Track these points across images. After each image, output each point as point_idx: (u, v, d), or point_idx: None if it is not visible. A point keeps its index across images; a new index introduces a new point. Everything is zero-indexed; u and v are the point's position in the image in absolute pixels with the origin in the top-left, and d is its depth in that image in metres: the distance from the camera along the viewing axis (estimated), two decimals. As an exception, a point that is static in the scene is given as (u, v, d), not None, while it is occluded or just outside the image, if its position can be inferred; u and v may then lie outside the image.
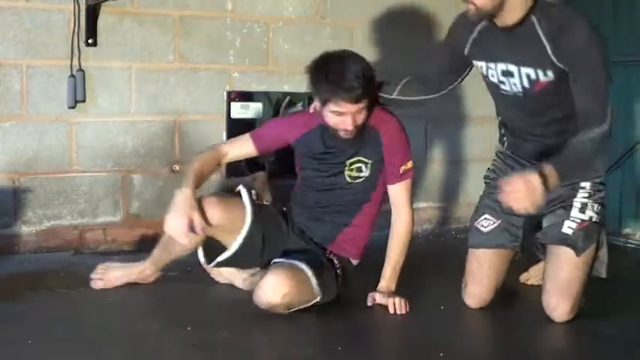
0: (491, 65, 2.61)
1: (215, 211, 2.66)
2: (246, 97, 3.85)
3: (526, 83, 2.53)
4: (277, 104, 3.97)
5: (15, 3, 3.37)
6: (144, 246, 3.36)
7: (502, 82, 2.60)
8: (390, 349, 2.42)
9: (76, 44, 3.46)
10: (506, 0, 2.43)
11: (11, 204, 3.43)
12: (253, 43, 3.84)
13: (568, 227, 2.65)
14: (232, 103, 3.80)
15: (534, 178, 2.30)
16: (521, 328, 2.62)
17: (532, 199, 2.30)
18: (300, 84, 3.89)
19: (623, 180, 4.04)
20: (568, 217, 2.67)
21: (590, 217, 2.67)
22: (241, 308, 2.67)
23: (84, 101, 3.51)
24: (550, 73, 2.47)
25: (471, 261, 2.81)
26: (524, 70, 2.51)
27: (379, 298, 2.71)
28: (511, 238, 2.77)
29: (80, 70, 3.47)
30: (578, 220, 2.66)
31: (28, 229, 3.46)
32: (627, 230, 4.08)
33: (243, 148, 2.83)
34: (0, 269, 3.17)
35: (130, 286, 2.92)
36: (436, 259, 3.63)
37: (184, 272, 3.24)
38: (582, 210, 2.67)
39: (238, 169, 3.86)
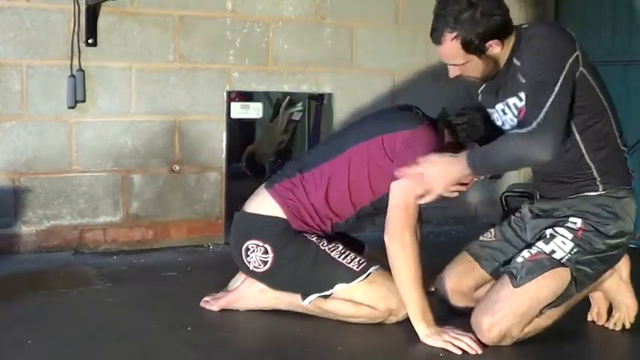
0: (492, 110, 2.51)
1: None
2: (246, 97, 3.85)
3: (515, 114, 2.39)
4: (277, 104, 3.97)
5: (15, 3, 3.37)
6: (143, 246, 3.36)
7: (504, 124, 2.47)
8: (390, 349, 2.42)
9: (76, 44, 3.46)
10: (495, 55, 2.35)
11: (11, 204, 3.43)
12: (253, 43, 3.84)
13: (521, 256, 2.39)
14: (232, 103, 3.80)
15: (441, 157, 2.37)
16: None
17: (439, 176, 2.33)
18: (299, 84, 3.90)
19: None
20: (531, 245, 2.42)
21: (552, 251, 2.35)
22: (241, 308, 2.68)
23: (84, 101, 3.50)
24: (522, 95, 2.34)
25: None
26: (511, 100, 2.39)
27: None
28: (489, 259, 2.61)
29: (80, 70, 3.47)
30: (534, 251, 2.37)
31: (28, 229, 3.46)
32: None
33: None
34: (0, 269, 3.17)
35: (130, 286, 2.92)
36: (436, 259, 3.62)
37: (184, 272, 3.25)
38: (548, 240, 2.37)
39: (238, 170, 3.88)
